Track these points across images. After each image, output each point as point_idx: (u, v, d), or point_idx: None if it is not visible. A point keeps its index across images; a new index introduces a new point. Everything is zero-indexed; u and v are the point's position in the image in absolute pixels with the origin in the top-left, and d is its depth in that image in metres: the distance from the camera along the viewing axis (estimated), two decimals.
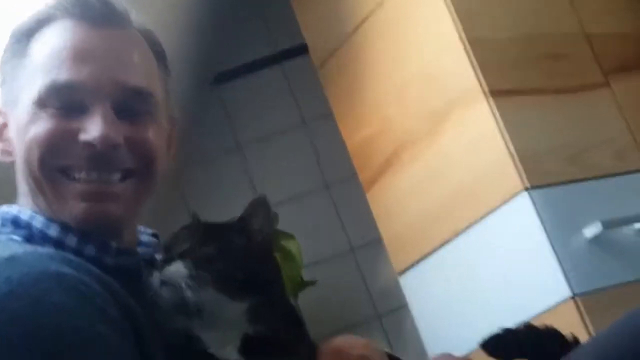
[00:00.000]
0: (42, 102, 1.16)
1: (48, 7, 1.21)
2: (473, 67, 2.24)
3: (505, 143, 2.19)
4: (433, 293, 2.40)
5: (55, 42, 1.19)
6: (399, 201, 2.46)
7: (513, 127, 2.20)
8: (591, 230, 2.14)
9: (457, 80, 2.28)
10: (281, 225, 2.50)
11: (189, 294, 1.09)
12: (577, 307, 2.08)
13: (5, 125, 1.23)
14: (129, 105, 1.19)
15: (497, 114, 2.21)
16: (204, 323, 1.11)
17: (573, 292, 2.08)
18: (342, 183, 2.76)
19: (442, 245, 2.35)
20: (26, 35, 1.21)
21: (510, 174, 2.18)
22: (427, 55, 2.35)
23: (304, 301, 2.55)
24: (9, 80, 1.22)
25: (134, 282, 1.14)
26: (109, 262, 1.15)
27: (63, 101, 1.16)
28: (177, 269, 1.10)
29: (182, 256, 1.11)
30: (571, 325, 2.06)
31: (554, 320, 2.09)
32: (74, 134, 1.16)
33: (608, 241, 2.16)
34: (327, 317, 2.60)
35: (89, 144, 1.15)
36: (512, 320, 2.15)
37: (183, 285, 1.09)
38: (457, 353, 2.21)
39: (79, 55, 1.18)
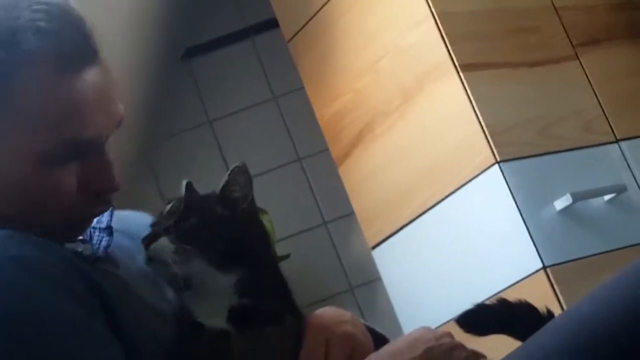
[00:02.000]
0: (54, 157, 1.09)
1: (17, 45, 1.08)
2: (444, 41, 2.24)
3: (476, 116, 2.20)
4: (405, 266, 2.41)
5: (49, 95, 1.09)
6: (371, 175, 2.47)
7: (484, 101, 2.21)
8: (561, 202, 2.16)
9: (427, 54, 2.28)
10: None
11: (175, 269, 1.09)
12: (548, 278, 2.10)
13: None
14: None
15: (468, 88, 2.21)
16: (193, 294, 1.12)
17: (544, 263, 2.10)
18: (315, 157, 2.76)
19: (414, 219, 2.36)
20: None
21: (481, 147, 2.20)
22: (397, 30, 2.35)
23: None
24: None
25: (100, 260, 1.14)
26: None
27: (79, 153, 1.11)
28: (163, 245, 1.10)
29: (167, 231, 1.11)
30: (542, 296, 2.08)
31: (525, 291, 2.12)
32: (89, 182, 1.13)
33: (578, 213, 2.18)
34: (301, 290, 2.59)
35: (104, 200, 1.15)
36: (484, 292, 2.18)
37: (169, 260, 1.10)
38: (432, 326, 2.24)
39: (86, 108, 1.11)
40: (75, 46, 1.11)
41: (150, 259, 1.11)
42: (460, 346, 1.15)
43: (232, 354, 1.09)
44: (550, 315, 1.15)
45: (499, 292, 2.17)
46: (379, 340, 1.20)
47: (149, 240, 1.12)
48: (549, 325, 1.02)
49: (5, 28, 1.08)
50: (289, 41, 2.64)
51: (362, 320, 1.22)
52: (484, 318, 1.18)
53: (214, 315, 1.11)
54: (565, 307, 2.06)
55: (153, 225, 1.14)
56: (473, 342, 1.19)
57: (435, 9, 2.25)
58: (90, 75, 1.11)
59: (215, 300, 1.11)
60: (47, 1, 1.11)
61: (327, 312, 1.19)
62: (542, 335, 0.99)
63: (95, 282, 1.07)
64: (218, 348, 1.09)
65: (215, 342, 1.10)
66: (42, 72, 1.09)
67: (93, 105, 1.11)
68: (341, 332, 1.15)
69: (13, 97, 1.08)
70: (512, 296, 2.09)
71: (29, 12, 1.08)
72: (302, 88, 2.65)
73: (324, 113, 2.58)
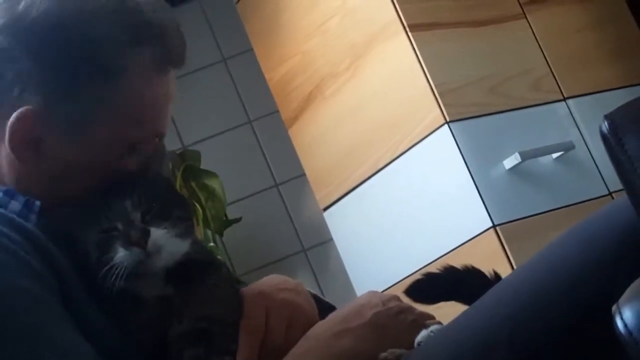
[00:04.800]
0: (134, 146, 1.15)
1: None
2: (392, 0, 2.24)
3: (425, 77, 2.20)
4: (357, 227, 2.42)
5: (151, 91, 1.16)
6: (321, 137, 2.47)
7: (432, 61, 2.21)
8: (510, 161, 2.18)
9: (376, 15, 2.28)
10: (204, 164, 2.52)
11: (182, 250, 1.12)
12: (498, 237, 2.12)
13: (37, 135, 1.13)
14: None
15: (417, 48, 2.21)
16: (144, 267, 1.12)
17: (493, 222, 2.12)
18: (265, 119, 2.74)
19: (364, 180, 2.37)
20: (114, 64, 1.14)
21: (430, 107, 2.20)
22: None
23: (230, 239, 2.55)
24: (79, 96, 1.13)
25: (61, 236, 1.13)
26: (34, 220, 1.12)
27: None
28: (159, 235, 1.10)
29: (147, 223, 1.10)
30: (492, 254, 2.10)
31: (475, 250, 2.14)
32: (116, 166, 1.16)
33: (527, 172, 2.20)
34: (254, 253, 2.61)
35: (121, 171, 1.16)
36: (435, 252, 2.20)
37: (172, 248, 1.11)
38: (384, 285, 2.26)
39: (166, 104, 1.19)
40: (176, 51, 1.19)
41: (150, 255, 1.09)
42: (408, 309, 1.16)
43: (174, 312, 1.09)
44: (497, 277, 1.16)
45: (450, 251, 2.19)
46: (328, 310, 1.19)
47: (142, 239, 1.09)
48: (497, 286, 1.03)
49: (145, 23, 1.15)
50: (237, 2, 2.62)
51: (308, 289, 1.22)
52: (432, 287, 1.19)
53: (155, 282, 1.11)
54: (515, 265, 2.09)
55: (121, 225, 1.11)
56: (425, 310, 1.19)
57: None
58: (171, 78, 1.19)
59: (161, 265, 1.11)
60: (163, 6, 1.19)
61: (267, 280, 1.19)
62: (489, 300, 1.00)
63: (51, 256, 1.07)
64: (161, 313, 1.09)
65: (155, 309, 1.09)
66: (149, 71, 1.15)
67: (168, 104, 1.19)
68: (280, 299, 1.14)
69: (122, 90, 1.13)
70: (463, 255, 2.14)
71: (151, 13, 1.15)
72: (251, 50, 2.63)
73: (273, 75, 2.57)
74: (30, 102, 1.11)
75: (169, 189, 1.21)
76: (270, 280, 1.19)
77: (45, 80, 1.11)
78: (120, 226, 1.10)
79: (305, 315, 1.14)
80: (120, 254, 1.08)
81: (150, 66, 1.15)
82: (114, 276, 1.07)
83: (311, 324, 1.15)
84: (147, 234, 1.09)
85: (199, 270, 1.14)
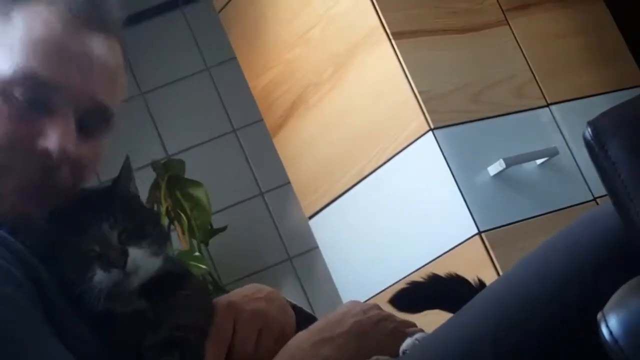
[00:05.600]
0: (9, 85, 1.09)
1: None
2: (375, 8, 2.24)
3: (409, 84, 2.20)
4: (342, 235, 2.42)
5: (43, 30, 1.11)
6: (306, 145, 2.47)
7: (415, 68, 2.21)
8: (494, 167, 2.18)
9: (359, 23, 2.28)
10: (188, 173, 2.52)
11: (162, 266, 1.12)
12: (483, 244, 2.12)
13: None
14: (87, 119, 1.13)
15: (400, 55, 2.21)
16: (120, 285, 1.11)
17: (479, 229, 2.12)
18: (249, 128, 2.74)
19: (349, 188, 2.36)
20: None
21: (414, 114, 2.20)
22: None
23: (215, 248, 2.54)
24: None
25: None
26: None
27: (31, 94, 1.09)
28: (138, 255, 1.09)
29: (123, 242, 1.09)
30: (478, 261, 2.10)
31: (461, 257, 2.14)
32: (33, 136, 1.09)
33: (511, 178, 2.20)
34: (239, 262, 2.61)
35: (46, 152, 1.09)
36: (420, 259, 2.20)
37: (151, 265, 1.11)
38: (370, 292, 2.25)
39: (64, 54, 1.11)
40: (82, 5, 1.13)
41: (127, 275, 1.08)
42: (388, 317, 1.16)
43: (149, 325, 1.09)
44: (482, 285, 1.16)
45: (435, 258, 2.19)
46: (307, 320, 1.19)
47: (121, 260, 1.08)
48: (482, 294, 1.03)
49: None
50: (219, 11, 2.62)
51: (289, 300, 1.21)
52: (416, 296, 1.19)
53: (130, 298, 1.10)
54: (501, 271, 2.09)
55: (98, 247, 1.10)
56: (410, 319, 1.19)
57: None
58: (93, 36, 1.13)
59: (137, 284, 1.10)
60: None
61: (241, 290, 1.18)
62: (473, 308, 0.99)
63: (30, 265, 1.06)
64: (135, 326, 1.09)
65: (130, 323, 1.09)
66: (46, 15, 1.11)
67: (71, 56, 1.11)
68: (250, 309, 1.14)
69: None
70: (449, 262, 2.13)
71: None
72: (235, 58, 2.63)
73: (256, 84, 2.57)
74: None
75: (141, 206, 1.20)
76: (243, 291, 1.18)
77: None
78: (97, 248, 1.08)
79: (277, 324, 1.14)
80: (99, 276, 1.07)
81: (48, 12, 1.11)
82: (93, 298, 1.07)
83: (284, 332, 1.15)
84: (125, 254, 1.08)
85: (171, 283, 1.13)
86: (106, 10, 1.16)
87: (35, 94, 1.09)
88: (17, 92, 1.09)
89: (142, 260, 1.09)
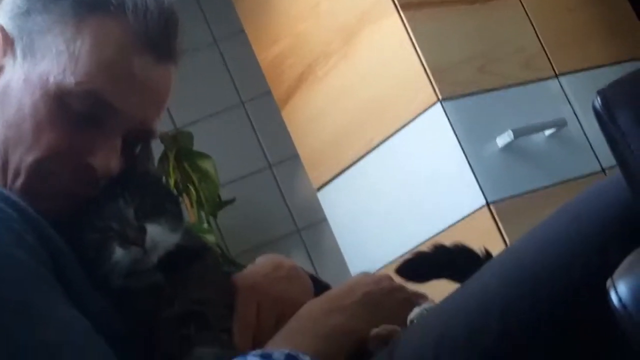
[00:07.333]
0: (68, 96, 1.09)
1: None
2: None
3: (417, 55, 2.20)
4: (351, 207, 2.43)
5: (113, 51, 1.10)
6: (314, 117, 2.47)
7: (424, 40, 2.21)
8: (503, 138, 2.18)
9: None
10: (197, 145, 2.52)
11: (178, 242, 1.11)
12: (492, 215, 2.12)
13: (4, 52, 1.12)
14: (132, 138, 1.14)
15: (409, 27, 2.21)
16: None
17: (487, 200, 2.13)
18: (258, 100, 2.74)
19: (357, 159, 2.37)
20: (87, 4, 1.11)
21: (422, 86, 2.20)
22: None
23: (224, 220, 2.55)
24: (38, 25, 1.11)
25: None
26: None
27: (89, 111, 1.09)
28: (157, 232, 1.09)
29: (141, 220, 1.10)
30: (486, 232, 2.11)
31: (469, 228, 2.14)
32: (82, 150, 1.10)
33: (520, 149, 2.20)
34: (248, 234, 2.61)
35: (92, 168, 1.10)
36: (428, 230, 2.20)
37: (172, 240, 1.11)
38: (378, 264, 2.26)
39: (129, 81, 1.10)
40: (155, 33, 1.13)
41: (147, 252, 1.09)
42: (399, 288, 1.16)
43: (165, 298, 1.10)
44: (489, 255, 1.17)
45: (444, 229, 2.19)
46: (324, 289, 1.19)
47: (140, 237, 1.08)
48: (489, 264, 1.03)
49: None
50: None
51: (304, 269, 1.21)
52: (422, 265, 1.19)
53: (147, 274, 1.10)
54: (509, 242, 2.09)
55: (116, 225, 1.10)
56: (418, 289, 1.20)
57: None
58: (163, 70, 1.13)
59: (156, 260, 1.11)
60: None
61: (260, 269, 1.17)
62: (480, 279, 1.00)
63: (46, 235, 1.06)
64: (152, 300, 1.09)
65: (147, 297, 1.10)
66: (118, 35, 1.10)
67: (138, 87, 1.11)
68: (273, 294, 1.14)
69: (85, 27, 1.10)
70: (457, 233, 2.14)
71: None
72: (243, 31, 2.62)
73: (265, 56, 2.57)
74: None
75: (158, 184, 1.21)
76: (263, 268, 1.18)
77: None
78: (115, 225, 1.09)
79: (297, 308, 1.13)
80: (119, 254, 1.08)
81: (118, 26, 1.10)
82: (113, 275, 1.07)
83: None
84: (144, 231, 1.09)
85: (188, 257, 1.14)
86: (177, 42, 1.17)
87: (93, 111, 1.10)
88: (75, 104, 1.09)
89: (160, 236, 1.09)
